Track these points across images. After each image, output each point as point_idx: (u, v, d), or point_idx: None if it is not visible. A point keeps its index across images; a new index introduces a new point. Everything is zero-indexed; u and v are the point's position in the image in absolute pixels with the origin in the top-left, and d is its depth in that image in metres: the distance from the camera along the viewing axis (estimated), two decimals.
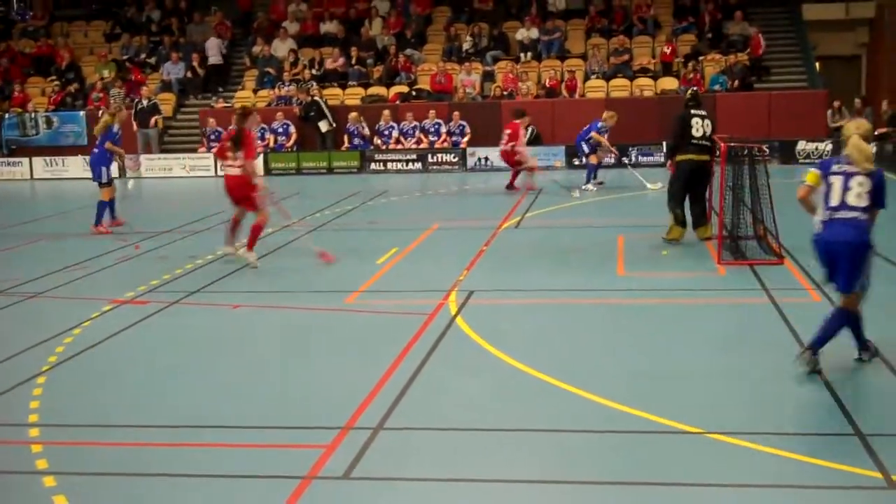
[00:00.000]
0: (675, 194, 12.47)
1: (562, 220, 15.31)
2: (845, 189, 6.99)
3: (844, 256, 6.97)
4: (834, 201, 7.01)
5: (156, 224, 15.54)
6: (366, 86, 26.66)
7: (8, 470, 5.82)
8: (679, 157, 12.36)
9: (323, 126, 24.71)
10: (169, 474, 5.66)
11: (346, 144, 24.83)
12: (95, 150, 15.44)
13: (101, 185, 15.21)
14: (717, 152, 12.00)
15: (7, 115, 26.38)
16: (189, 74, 27.51)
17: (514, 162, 19.38)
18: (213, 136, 25.43)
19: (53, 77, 28.12)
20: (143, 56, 28.47)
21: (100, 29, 30.46)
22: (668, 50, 26.00)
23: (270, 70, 27.08)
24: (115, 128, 15.31)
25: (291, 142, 25.06)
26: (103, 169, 15.19)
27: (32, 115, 26.38)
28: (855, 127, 7.24)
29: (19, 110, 26.52)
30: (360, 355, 8.09)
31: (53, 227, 16.23)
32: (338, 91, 26.33)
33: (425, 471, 5.63)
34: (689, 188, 12.44)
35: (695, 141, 12.23)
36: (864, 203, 6.97)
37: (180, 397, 7.12)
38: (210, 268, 11.84)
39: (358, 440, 6.02)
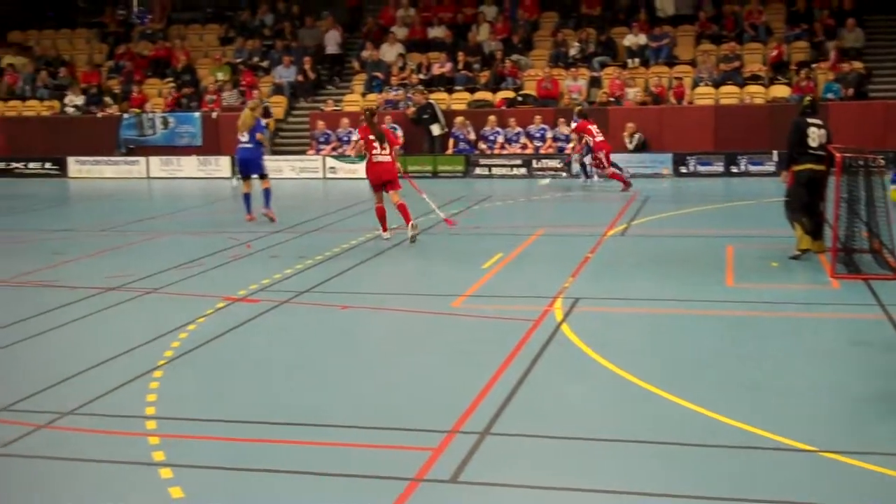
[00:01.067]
0: (795, 205, 12.08)
1: (669, 228, 15.14)
2: None
3: None
4: None
5: (266, 224, 15.90)
6: (472, 90, 26.79)
7: (126, 460, 6.04)
8: (797, 168, 12.01)
9: (435, 129, 24.92)
10: (279, 470, 5.80)
11: (452, 149, 24.99)
12: (249, 145, 16.15)
13: (261, 176, 16.36)
14: (832, 162, 11.70)
15: (126, 116, 27.28)
16: (300, 78, 28.04)
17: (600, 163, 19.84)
18: (321, 139, 25.89)
19: (170, 79, 28.99)
20: (255, 59, 29.13)
21: (215, 32, 31.29)
22: (774, 52, 25.36)
23: (379, 74, 27.43)
24: (263, 121, 16.13)
25: (399, 145, 25.29)
26: (263, 162, 16.41)
27: (150, 115, 27.23)
28: None
29: (137, 111, 27.41)
30: (467, 359, 8.16)
31: (168, 225, 16.73)
32: (444, 95, 26.51)
33: (531, 477, 5.66)
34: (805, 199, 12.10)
35: (811, 150, 11.91)
36: None
37: (291, 395, 7.29)
38: (319, 268, 12.07)
39: (465, 444, 6.09)
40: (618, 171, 20.56)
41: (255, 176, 16.42)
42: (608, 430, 6.39)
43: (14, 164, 26.54)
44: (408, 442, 6.20)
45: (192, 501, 5.38)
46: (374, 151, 14.08)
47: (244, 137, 16.19)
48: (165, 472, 5.79)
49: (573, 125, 22.09)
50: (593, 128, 20.76)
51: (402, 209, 13.86)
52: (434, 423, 6.46)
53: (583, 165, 21.86)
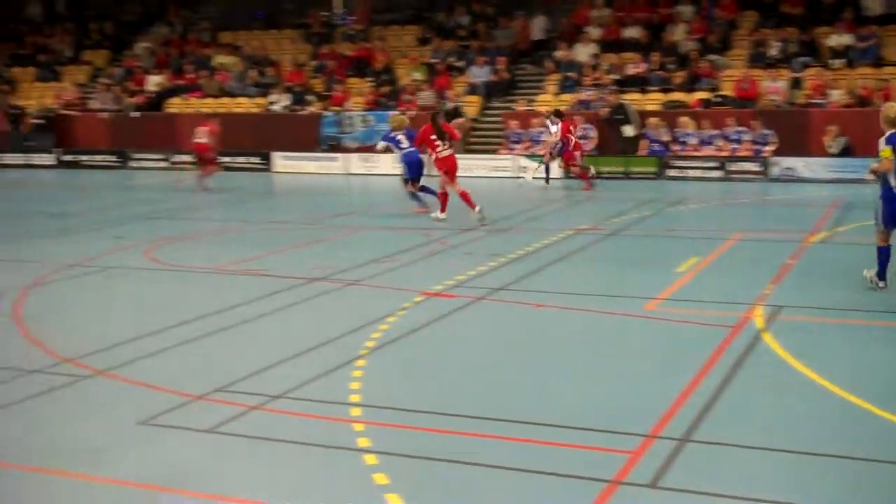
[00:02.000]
0: None
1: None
2: None
3: None
4: None
5: (461, 221, 16.18)
6: (666, 91, 26.36)
7: (333, 445, 6.28)
8: None
9: (627, 130, 24.68)
10: (482, 464, 5.92)
11: (645, 150, 24.67)
12: (411, 149, 17.04)
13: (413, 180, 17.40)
14: None
15: (327, 114, 28.29)
16: (494, 77, 28.33)
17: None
18: (514, 139, 26.08)
19: (369, 78, 29.87)
20: (451, 60, 29.61)
21: (413, 33, 32.02)
22: None
23: (572, 74, 27.38)
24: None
25: (592, 146, 25.21)
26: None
27: (349, 113, 28.14)
28: None
29: (338, 109, 28.38)
30: (663, 364, 8.09)
31: (367, 220, 17.28)
32: (638, 96, 26.20)
33: (732, 488, 5.55)
34: None
35: None
36: None
37: (488, 390, 7.43)
38: (513, 266, 12.21)
39: (664, 450, 6.05)
40: (585, 170, 21.31)
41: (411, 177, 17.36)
42: (811, 444, 6.20)
43: (224, 158, 27.95)
44: (606, 444, 6.21)
45: (396, 488, 5.56)
46: (437, 148, 16.15)
47: (404, 143, 17.09)
48: (370, 459, 6.01)
49: (555, 128, 21.49)
50: (572, 128, 21.46)
51: (464, 196, 16.00)
52: (632, 427, 6.45)
53: (547, 169, 22.44)
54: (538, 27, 29.83)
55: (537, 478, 5.73)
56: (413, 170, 17.21)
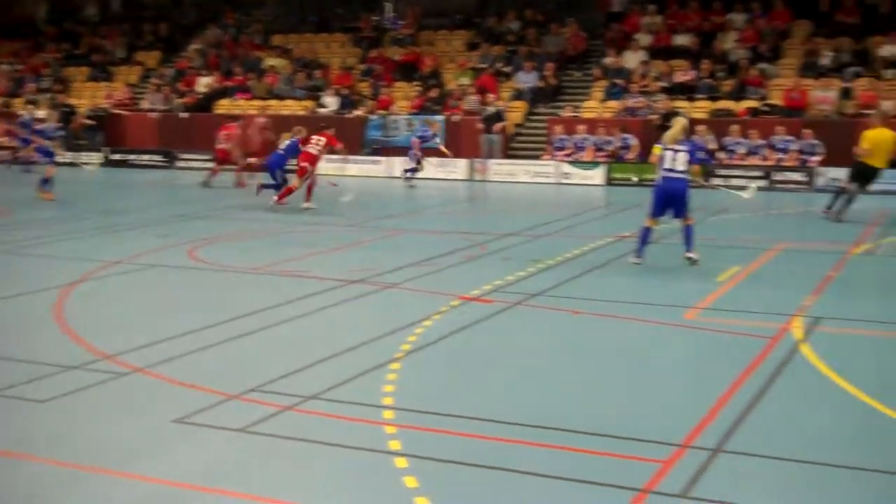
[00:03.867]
0: None
1: None
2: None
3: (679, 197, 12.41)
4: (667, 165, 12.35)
5: (500, 226, 16.17)
6: (714, 99, 26.16)
7: (364, 447, 6.29)
8: None
9: None
10: (512, 470, 5.90)
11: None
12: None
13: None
14: None
15: (373, 117, 28.43)
16: (541, 83, 28.29)
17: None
18: (558, 144, 26.03)
19: (416, 82, 29.96)
20: (499, 65, 29.62)
21: (462, 38, 32.08)
22: None
23: (619, 81, 27.27)
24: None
25: (633, 154, 25.09)
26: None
27: (394, 117, 28.25)
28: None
29: (384, 112, 28.50)
30: (699, 373, 8.03)
31: (407, 223, 17.34)
32: (686, 104, 26.03)
33: (763, 499, 5.50)
34: None
35: None
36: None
37: (523, 396, 7.41)
38: (552, 272, 12.19)
39: (696, 459, 6.00)
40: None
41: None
42: (847, 457, 6.11)
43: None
44: (638, 452, 6.17)
45: (426, 491, 5.57)
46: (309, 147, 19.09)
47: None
48: (401, 462, 6.01)
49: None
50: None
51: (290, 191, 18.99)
52: (665, 436, 6.41)
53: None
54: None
55: (568, 485, 5.71)
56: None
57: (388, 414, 6.93)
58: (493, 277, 11.72)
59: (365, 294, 10.97)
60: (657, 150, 12.80)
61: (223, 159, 23.92)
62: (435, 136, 25.56)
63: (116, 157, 30.65)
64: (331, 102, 29.69)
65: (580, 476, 5.80)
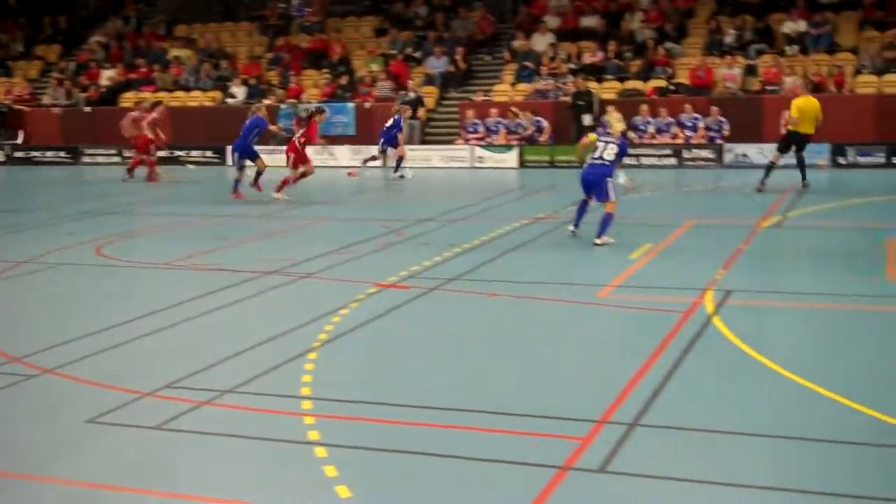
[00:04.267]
0: None
1: (827, 221, 14.65)
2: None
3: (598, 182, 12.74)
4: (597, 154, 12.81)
5: (417, 212, 16.15)
6: (623, 80, 26.49)
7: (283, 439, 6.25)
8: None
9: (586, 119, 24.77)
10: (430, 454, 5.91)
11: None
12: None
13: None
14: None
15: (282, 106, 28.10)
16: (451, 68, 28.29)
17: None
18: (470, 129, 26.09)
19: (326, 70, 29.71)
20: (408, 50, 29.54)
21: (370, 24, 31.89)
22: None
23: (529, 64, 27.42)
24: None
25: (545, 136, 25.28)
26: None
27: (305, 106, 27.95)
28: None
29: (294, 101, 28.20)
30: (614, 350, 8.14)
31: (322, 212, 17.19)
32: (595, 85, 26.30)
33: (682, 470, 5.59)
34: None
35: None
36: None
37: (441, 380, 7.41)
38: (469, 256, 12.21)
39: (613, 435, 6.08)
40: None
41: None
42: (760, 425, 6.25)
43: (178, 152, 27.67)
44: (556, 430, 6.22)
45: (345, 479, 5.52)
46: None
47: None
48: (320, 452, 5.96)
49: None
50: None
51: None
52: (583, 413, 6.47)
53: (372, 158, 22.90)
54: None
55: (488, 466, 5.72)
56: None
57: (306, 404, 6.87)
58: (410, 263, 11.70)
59: (280, 285, 10.85)
60: (592, 137, 13.26)
61: (145, 147, 23.04)
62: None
63: (20, 154, 29.75)
64: (239, 92, 29.28)
65: (499, 456, 5.82)
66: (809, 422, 6.33)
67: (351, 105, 27.42)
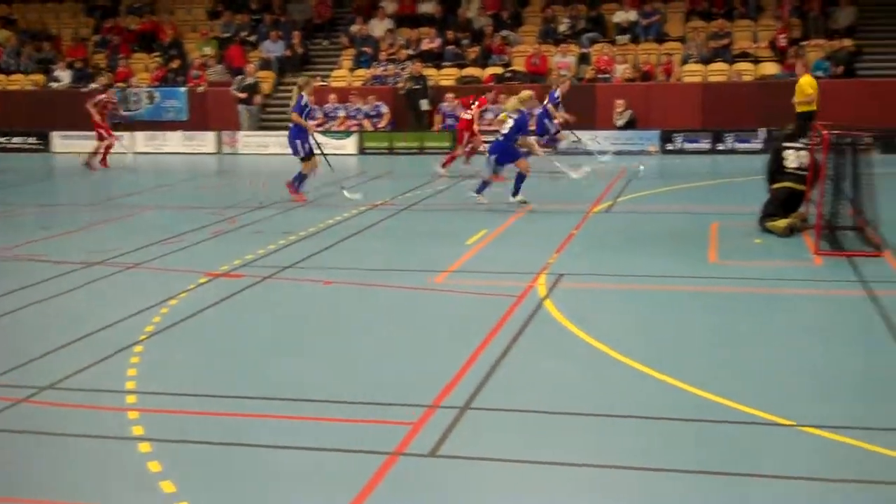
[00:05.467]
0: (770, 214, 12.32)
1: (655, 205, 15.14)
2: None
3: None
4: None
5: (251, 200, 15.84)
6: (461, 66, 26.68)
7: (105, 434, 6.02)
8: (775, 185, 12.37)
9: (424, 104, 24.81)
10: (260, 445, 5.80)
11: (439, 125, 24.89)
12: (291, 125, 15.76)
13: (301, 159, 15.77)
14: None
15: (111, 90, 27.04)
16: (288, 52, 27.85)
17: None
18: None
19: (157, 53, 28.77)
20: (243, 34, 28.91)
21: (203, 6, 31.03)
22: (783, 38, 25.13)
23: (367, 49, 27.28)
24: (304, 100, 15.60)
25: (385, 122, 25.23)
26: (298, 143, 15.67)
27: (135, 90, 27.04)
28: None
29: (123, 85, 27.19)
30: (448, 335, 8.17)
31: (153, 200, 16.66)
32: (433, 71, 26.40)
33: (511, 452, 5.66)
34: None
35: (789, 170, 12.27)
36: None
37: (272, 370, 7.28)
38: (304, 244, 12.04)
39: (445, 419, 6.09)
40: None
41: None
42: (591, 406, 6.40)
43: None
44: (388, 416, 6.20)
45: (170, 474, 5.37)
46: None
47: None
48: (144, 447, 5.78)
49: None
50: None
51: None
52: (415, 398, 6.46)
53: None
54: None
55: (318, 455, 5.65)
56: (292, 148, 15.95)
57: (130, 399, 6.65)
58: (243, 252, 11.45)
59: (106, 276, 10.45)
60: (504, 116, 14.67)
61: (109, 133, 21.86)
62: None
63: None
64: (64, 76, 28.00)
65: (327, 445, 5.76)
66: (634, 400, 6.50)
67: (183, 90, 26.64)
